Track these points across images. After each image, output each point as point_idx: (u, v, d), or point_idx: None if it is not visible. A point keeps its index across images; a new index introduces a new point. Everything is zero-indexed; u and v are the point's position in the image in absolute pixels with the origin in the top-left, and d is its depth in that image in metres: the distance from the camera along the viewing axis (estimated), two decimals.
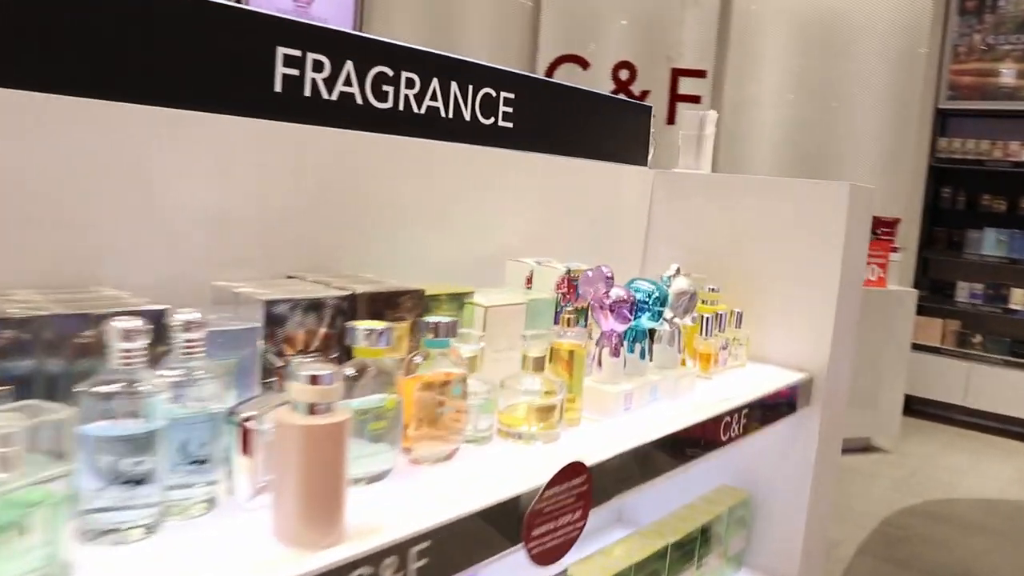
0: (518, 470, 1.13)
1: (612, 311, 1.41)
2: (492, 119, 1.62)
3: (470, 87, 1.56)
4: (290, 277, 1.27)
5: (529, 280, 1.57)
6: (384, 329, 1.04)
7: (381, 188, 1.44)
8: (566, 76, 5.74)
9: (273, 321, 1.11)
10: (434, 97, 1.50)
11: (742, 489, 1.94)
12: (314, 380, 0.86)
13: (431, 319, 1.13)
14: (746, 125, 5.93)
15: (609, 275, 1.42)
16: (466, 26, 5.62)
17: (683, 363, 1.75)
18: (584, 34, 5.93)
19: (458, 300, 1.37)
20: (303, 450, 0.86)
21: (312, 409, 0.86)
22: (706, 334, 1.74)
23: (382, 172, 1.44)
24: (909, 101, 5.61)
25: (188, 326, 0.92)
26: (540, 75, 5.85)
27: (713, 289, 1.91)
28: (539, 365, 1.27)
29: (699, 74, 5.92)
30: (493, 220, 1.66)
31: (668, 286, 1.54)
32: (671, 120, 5.96)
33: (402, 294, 1.24)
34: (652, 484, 1.33)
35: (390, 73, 1.42)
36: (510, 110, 1.66)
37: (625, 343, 1.49)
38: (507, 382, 1.27)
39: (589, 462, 1.20)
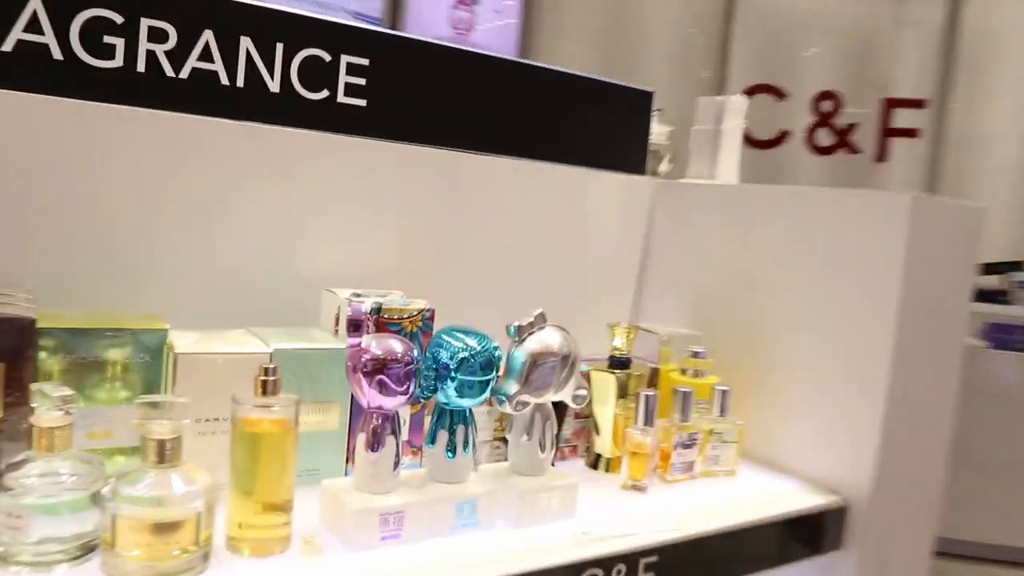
0: None
1: (369, 377, 0.83)
2: (325, 93, 1.11)
3: (279, 47, 1.06)
4: None
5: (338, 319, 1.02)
6: None
7: (97, 179, 0.98)
8: (759, 107, 4.95)
9: None
10: (206, 57, 1.02)
11: None
12: None
13: None
14: (976, 164, 4.75)
15: (360, 317, 0.84)
16: (645, 56, 5.04)
17: (612, 466, 1.10)
18: (781, 61, 5.10)
19: (134, 339, 0.86)
20: None
21: None
22: (644, 422, 1.07)
23: (105, 155, 0.98)
24: None
25: None
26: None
27: (697, 353, 1.22)
28: (164, 453, 0.73)
29: (917, 104, 4.84)
30: (326, 235, 1.13)
31: (516, 342, 0.91)
32: (881, 157, 4.94)
33: None
34: None
35: (117, 20, 0.96)
36: (360, 82, 1.13)
37: (422, 430, 0.90)
38: (120, 480, 0.74)
39: None
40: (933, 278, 1.12)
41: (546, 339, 0.92)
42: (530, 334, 0.92)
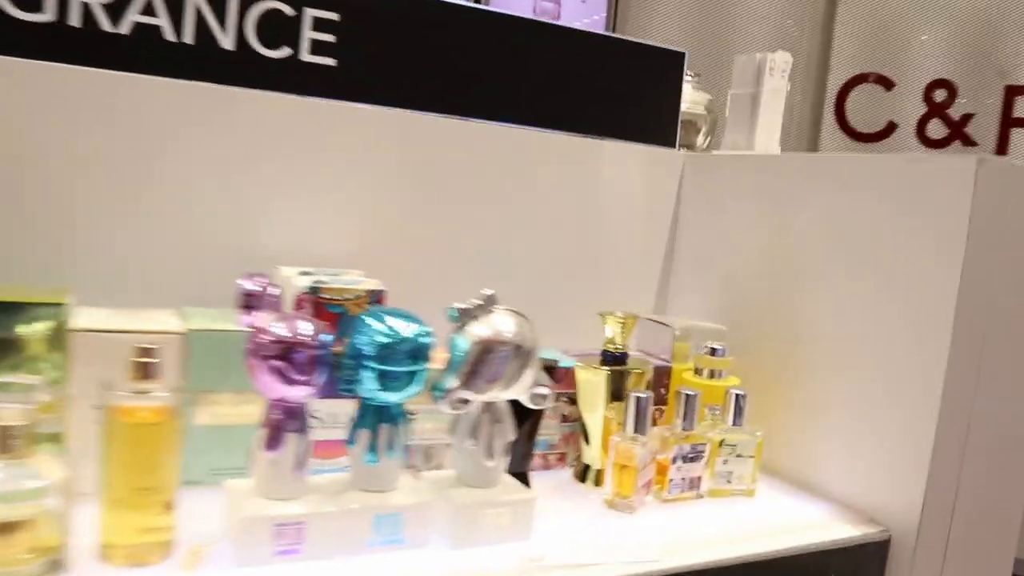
0: None
1: (266, 362, 0.69)
2: (286, 51, 0.99)
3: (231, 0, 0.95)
4: None
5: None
6: None
7: (32, 145, 0.89)
8: (863, 98, 4.56)
9: None
10: (149, 10, 0.92)
11: None
12: None
13: None
14: None
15: (255, 291, 0.71)
16: (741, 38, 4.72)
17: (601, 478, 0.94)
18: (888, 48, 4.69)
19: (33, 314, 0.76)
20: None
21: None
22: (634, 429, 0.89)
23: (41, 120, 0.89)
24: None
25: None
26: (831, 97, 4.73)
27: (715, 350, 1.03)
28: (8, 443, 0.62)
29: None
30: (289, 209, 1.01)
31: (458, 326, 0.76)
32: (1001, 150, 4.46)
33: None
34: None
35: None
36: (329, 39, 1.00)
37: (338, 429, 0.75)
38: None
39: None
40: (1008, 261, 0.89)
41: (495, 325, 0.76)
42: (475, 318, 0.76)
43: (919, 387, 0.90)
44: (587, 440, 0.96)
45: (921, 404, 0.89)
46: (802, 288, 1.05)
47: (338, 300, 0.85)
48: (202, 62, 0.94)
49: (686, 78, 1.29)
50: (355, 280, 0.88)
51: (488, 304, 0.77)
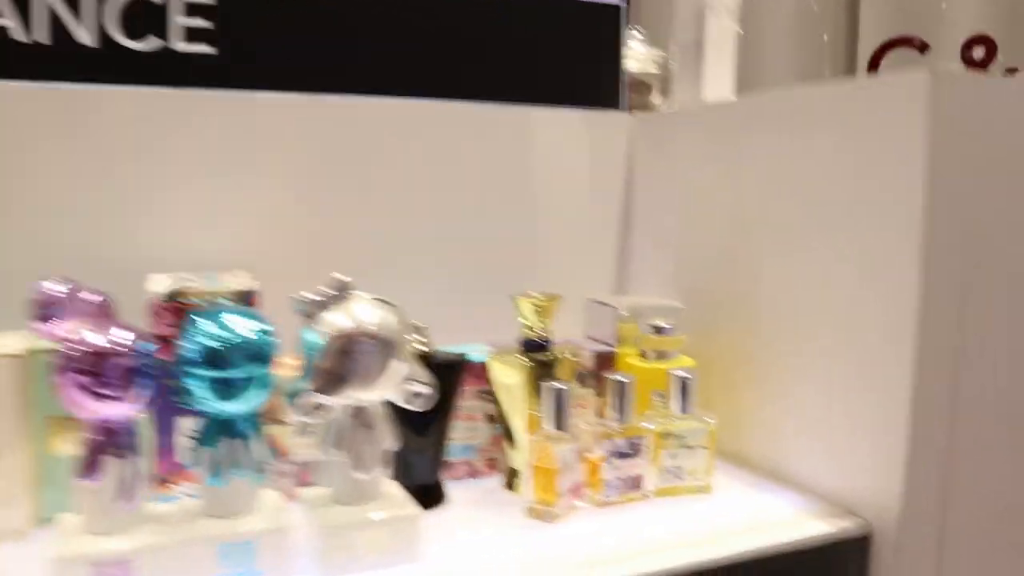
0: None
1: (71, 376, 0.59)
2: (156, 42, 0.89)
3: None
4: None
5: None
6: None
7: None
8: (897, 63, 4.30)
9: None
10: None
11: None
12: None
13: None
14: None
15: (50, 297, 0.61)
16: (760, 16, 4.51)
17: (521, 486, 0.82)
18: (920, 8, 4.43)
19: None
20: None
21: None
22: (554, 425, 0.77)
23: None
24: None
25: None
26: (862, 67, 4.46)
27: (660, 329, 0.90)
28: None
29: None
30: (177, 213, 0.91)
31: (307, 317, 0.65)
32: None
33: None
34: None
35: None
36: (205, 24, 0.91)
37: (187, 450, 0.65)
38: None
39: None
40: (987, 193, 0.74)
41: (354, 315, 0.65)
42: (328, 309, 0.65)
43: (889, 357, 0.75)
44: (511, 442, 0.84)
45: (892, 375, 0.74)
46: (763, 253, 0.91)
47: (200, 306, 0.75)
48: (61, 61, 0.86)
49: (633, 34, 1.16)
50: (223, 282, 0.78)
51: (342, 292, 0.66)
